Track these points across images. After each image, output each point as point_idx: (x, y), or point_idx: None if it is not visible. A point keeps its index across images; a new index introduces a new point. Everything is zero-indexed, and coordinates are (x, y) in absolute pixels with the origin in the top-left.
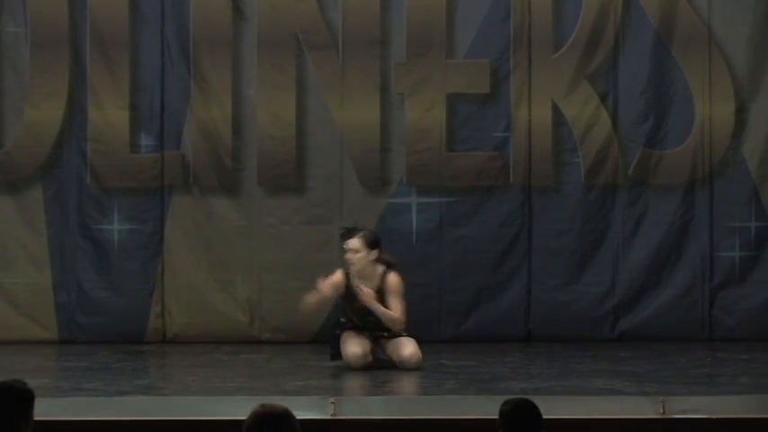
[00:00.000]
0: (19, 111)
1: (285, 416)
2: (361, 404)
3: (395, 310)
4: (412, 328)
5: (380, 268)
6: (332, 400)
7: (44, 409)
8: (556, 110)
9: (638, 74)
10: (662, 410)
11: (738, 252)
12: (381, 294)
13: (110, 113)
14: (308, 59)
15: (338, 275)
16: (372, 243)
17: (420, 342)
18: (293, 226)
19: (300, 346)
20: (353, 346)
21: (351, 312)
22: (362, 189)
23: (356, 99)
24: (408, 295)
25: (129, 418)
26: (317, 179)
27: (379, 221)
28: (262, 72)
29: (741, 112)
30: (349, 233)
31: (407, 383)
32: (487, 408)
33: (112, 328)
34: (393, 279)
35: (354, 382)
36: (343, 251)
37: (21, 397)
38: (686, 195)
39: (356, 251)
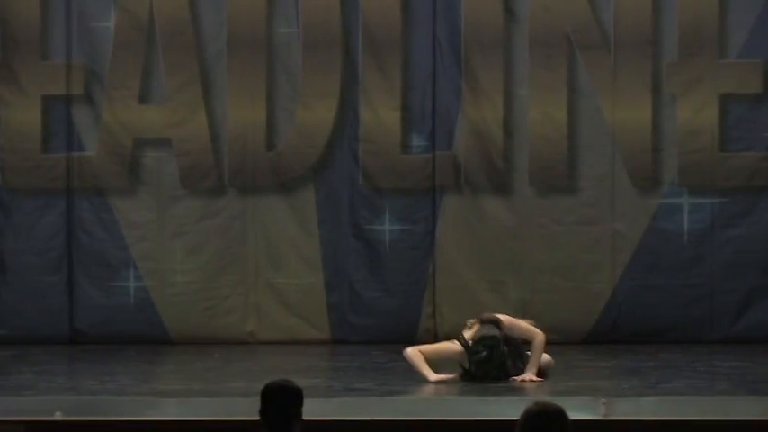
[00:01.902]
0: (291, 112)
1: (559, 413)
2: (632, 405)
3: (531, 332)
4: (680, 328)
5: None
6: (603, 400)
7: (316, 409)
8: None
9: None
10: None
11: None
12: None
13: (381, 114)
14: (580, 59)
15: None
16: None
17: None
18: (565, 226)
19: (573, 346)
20: None
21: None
22: (634, 189)
23: (628, 99)
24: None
25: (400, 419)
26: (588, 179)
27: (651, 222)
28: (533, 72)
29: None
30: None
31: (679, 384)
32: (759, 409)
33: (384, 328)
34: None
35: (625, 383)
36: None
37: (291, 396)
38: None
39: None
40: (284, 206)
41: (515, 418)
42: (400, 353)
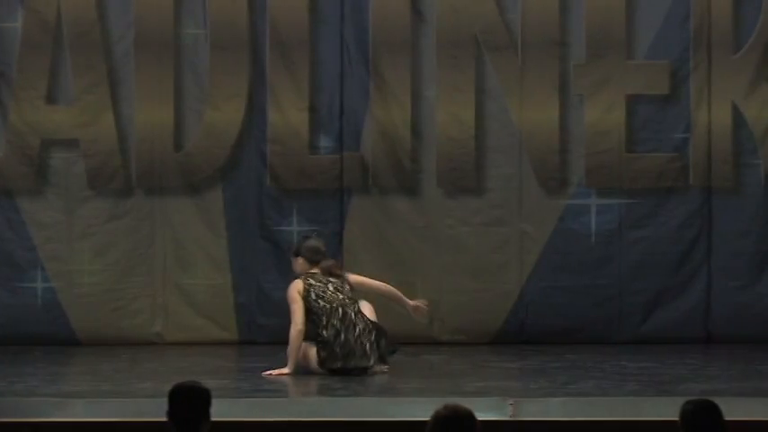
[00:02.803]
0: (199, 112)
1: (468, 417)
2: (540, 405)
3: (378, 284)
4: (588, 329)
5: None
6: (511, 401)
7: (224, 410)
8: (736, 111)
9: None
10: None
11: None
12: None
13: (289, 115)
14: (488, 61)
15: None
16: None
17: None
18: (472, 227)
19: (480, 347)
20: None
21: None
22: (541, 190)
23: (535, 100)
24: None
25: (308, 419)
26: (496, 180)
27: (559, 222)
28: (441, 73)
29: None
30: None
31: (587, 385)
32: (668, 409)
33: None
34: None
35: (533, 384)
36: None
37: (199, 397)
38: None
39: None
40: (192, 207)
41: (424, 419)
42: None
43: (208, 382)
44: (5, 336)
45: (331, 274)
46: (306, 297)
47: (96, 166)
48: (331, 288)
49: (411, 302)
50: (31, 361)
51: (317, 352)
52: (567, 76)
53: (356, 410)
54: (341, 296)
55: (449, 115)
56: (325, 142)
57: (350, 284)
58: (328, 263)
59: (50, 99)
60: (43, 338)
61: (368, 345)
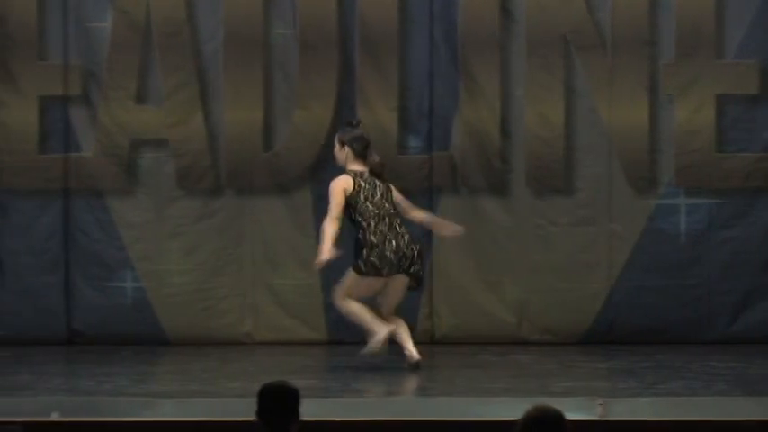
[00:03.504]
0: (288, 112)
1: (558, 418)
2: (628, 405)
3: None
4: (677, 329)
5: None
6: (600, 401)
7: (313, 410)
8: None
9: None
10: None
11: None
12: None
13: (378, 114)
14: (577, 60)
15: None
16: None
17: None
18: (561, 227)
19: (568, 347)
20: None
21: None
22: (630, 190)
23: (625, 100)
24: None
25: (398, 419)
26: (585, 180)
27: (648, 222)
28: (530, 73)
29: None
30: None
31: (676, 385)
32: (756, 409)
33: None
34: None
35: (622, 383)
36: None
37: (289, 396)
38: None
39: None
40: (281, 207)
41: (512, 419)
42: (398, 353)
43: (297, 382)
44: (95, 335)
45: (379, 176)
46: (354, 196)
47: (186, 166)
48: (378, 194)
49: (443, 224)
50: (120, 361)
51: (365, 258)
52: (657, 75)
53: (444, 410)
54: (387, 205)
55: (538, 115)
56: (414, 142)
57: (392, 196)
58: (376, 159)
59: (140, 99)
60: (132, 338)
61: (417, 252)
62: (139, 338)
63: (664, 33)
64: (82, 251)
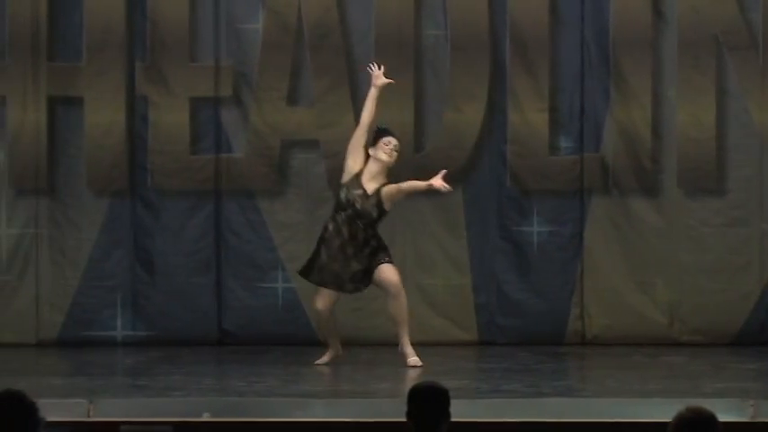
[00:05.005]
0: (439, 113)
1: (711, 420)
2: None
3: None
4: None
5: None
6: (751, 402)
7: (463, 410)
8: None
9: None
10: None
11: None
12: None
13: (529, 116)
14: (728, 61)
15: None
16: None
17: None
18: (713, 228)
19: (719, 348)
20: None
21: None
22: None
23: None
24: None
25: (549, 420)
26: (736, 181)
27: None
28: (682, 73)
29: None
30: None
31: None
32: None
33: (531, 329)
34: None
35: None
36: (383, 144)
37: (439, 397)
38: None
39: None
40: (432, 208)
41: (664, 421)
42: (547, 354)
43: (447, 383)
44: (246, 336)
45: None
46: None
47: (336, 167)
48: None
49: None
50: (270, 361)
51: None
52: None
53: (595, 411)
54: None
55: (689, 116)
56: (565, 143)
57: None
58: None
59: (291, 100)
60: (283, 338)
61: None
62: (290, 339)
63: None
64: (233, 252)
